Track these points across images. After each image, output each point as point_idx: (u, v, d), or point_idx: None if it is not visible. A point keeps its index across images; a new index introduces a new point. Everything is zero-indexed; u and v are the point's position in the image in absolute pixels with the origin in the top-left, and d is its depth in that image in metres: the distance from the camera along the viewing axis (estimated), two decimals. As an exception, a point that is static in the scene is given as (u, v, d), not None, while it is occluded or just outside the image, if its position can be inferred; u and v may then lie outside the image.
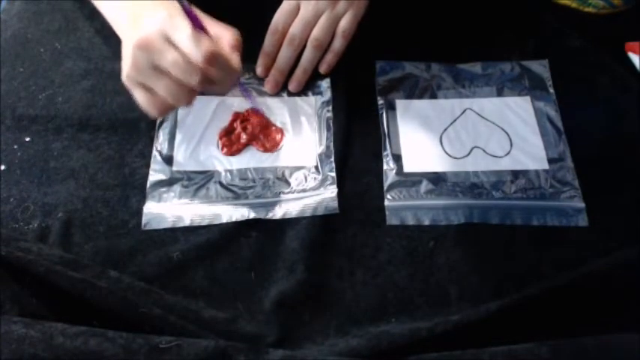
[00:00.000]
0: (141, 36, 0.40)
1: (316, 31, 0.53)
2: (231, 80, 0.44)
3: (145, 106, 0.44)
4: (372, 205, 0.48)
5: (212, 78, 0.42)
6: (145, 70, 0.42)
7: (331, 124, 0.52)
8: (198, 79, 0.41)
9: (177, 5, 0.41)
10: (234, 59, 0.44)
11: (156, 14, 0.41)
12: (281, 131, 0.52)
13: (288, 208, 0.48)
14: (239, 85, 0.50)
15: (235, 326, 0.42)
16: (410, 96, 0.54)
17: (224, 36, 0.44)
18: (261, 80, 0.55)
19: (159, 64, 0.41)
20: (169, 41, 0.40)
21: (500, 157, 0.51)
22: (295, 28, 0.53)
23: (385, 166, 0.50)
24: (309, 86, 0.55)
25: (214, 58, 0.40)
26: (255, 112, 0.52)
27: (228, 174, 0.50)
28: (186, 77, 0.41)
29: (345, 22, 0.53)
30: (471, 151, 0.51)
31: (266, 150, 0.51)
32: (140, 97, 0.44)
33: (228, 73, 0.43)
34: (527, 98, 0.54)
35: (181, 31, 0.40)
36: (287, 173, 0.50)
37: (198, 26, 0.41)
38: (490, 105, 0.54)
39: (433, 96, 0.54)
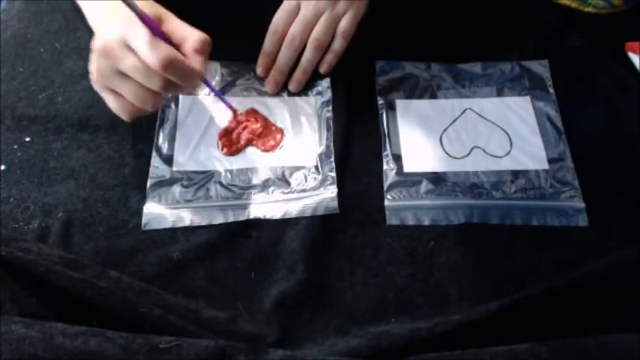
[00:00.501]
0: (101, 42, 0.41)
1: (316, 32, 0.53)
2: (195, 83, 0.44)
3: (114, 110, 0.45)
4: (372, 205, 0.48)
5: (173, 82, 0.42)
6: (109, 75, 0.43)
7: (331, 124, 0.52)
8: (159, 84, 0.41)
9: (135, 10, 0.41)
10: (197, 62, 0.43)
11: (116, 20, 0.41)
12: (281, 131, 0.52)
13: (288, 208, 0.48)
14: (208, 87, 0.50)
15: (235, 326, 0.42)
16: (410, 96, 0.54)
17: (189, 39, 0.44)
18: (261, 80, 0.55)
19: (120, 69, 0.41)
20: (128, 47, 0.41)
21: (500, 157, 0.51)
22: (295, 28, 0.53)
23: (385, 166, 0.50)
24: (309, 86, 0.55)
25: (172, 64, 0.40)
26: (235, 111, 0.52)
27: (228, 174, 0.50)
28: (148, 82, 0.42)
29: (345, 23, 0.53)
30: (471, 151, 0.51)
31: (266, 150, 0.51)
32: (109, 101, 0.45)
33: (189, 76, 0.43)
34: (527, 98, 0.54)
35: (139, 37, 0.40)
36: (287, 173, 0.50)
37: (156, 32, 0.41)
38: (490, 105, 0.54)
39: (433, 96, 0.54)
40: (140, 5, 0.43)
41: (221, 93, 0.52)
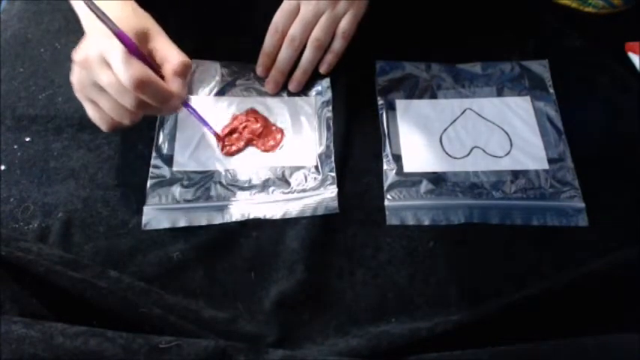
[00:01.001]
0: (81, 54, 0.41)
1: (316, 32, 0.53)
2: (170, 106, 0.43)
3: (94, 120, 0.45)
4: (372, 205, 0.48)
5: (147, 102, 0.41)
6: (87, 86, 0.42)
7: (331, 124, 0.52)
8: (132, 103, 0.41)
9: (122, 24, 0.41)
10: (175, 85, 0.43)
11: (98, 34, 0.41)
12: (281, 131, 0.52)
13: (288, 208, 0.48)
14: (188, 109, 0.49)
15: (235, 326, 0.42)
16: (410, 96, 0.54)
17: (170, 60, 0.44)
18: (261, 80, 0.55)
19: (98, 83, 0.41)
20: (106, 62, 0.40)
21: (500, 157, 0.51)
22: (295, 28, 0.53)
23: (385, 166, 0.50)
24: (309, 86, 0.55)
25: (144, 84, 0.40)
26: (215, 133, 0.51)
27: (228, 174, 0.50)
28: (122, 99, 0.41)
29: (345, 23, 0.53)
30: (471, 151, 0.51)
31: (266, 150, 0.51)
32: (89, 110, 0.45)
33: (164, 98, 0.42)
34: (527, 98, 0.54)
35: (114, 53, 0.40)
36: (287, 173, 0.50)
37: (132, 50, 0.40)
38: (490, 105, 0.54)
39: (433, 96, 0.54)
40: (130, 17, 0.43)
41: (202, 118, 0.50)
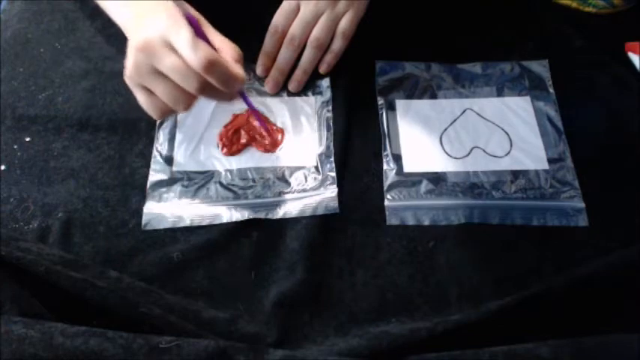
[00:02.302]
0: (142, 38, 0.40)
1: (316, 32, 0.53)
2: (233, 90, 0.44)
3: (145, 107, 0.44)
4: (372, 205, 0.48)
5: (212, 85, 0.41)
6: (145, 73, 0.41)
7: (331, 124, 0.52)
8: (196, 86, 0.41)
9: (178, 9, 0.41)
10: (237, 69, 0.43)
11: (158, 17, 0.41)
12: (281, 131, 0.52)
13: (288, 208, 0.48)
14: (241, 96, 0.49)
15: (235, 326, 0.42)
16: (410, 96, 0.54)
17: (226, 49, 0.44)
18: (261, 80, 0.55)
19: (158, 68, 0.41)
20: (169, 46, 0.40)
21: (500, 157, 0.51)
22: (295, 28, 0.53)
23: (385, 166, 0.50)
24: (309, 86, 0.55)
25: (213, 66, 0.40)
26: (256, 113, 0.52)
27: (228, 174, 0.50)
28: (185, 83, 0.41)
29: (345, 23, 0.53)
30: (471, 151, 0.51)
31: (266, 150, 0.51)
32: (141, 98, 0.44)
33: (229, 82, 0.42)
34: (527, 98, 0.54)
35: (182, 36, 0.39)
36: (287, 173, 0.50)
37: (199, 33, 0.41)
38: (490, 105, 0.54)
39: (433, 96, 0.54)
40: (179, 7, 0.42)
41: (252, 104, 0.50)
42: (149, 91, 0.43)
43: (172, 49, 0.40)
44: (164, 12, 0.40)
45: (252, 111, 0.50)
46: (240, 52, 0.45)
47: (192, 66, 0.39)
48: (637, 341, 0.38)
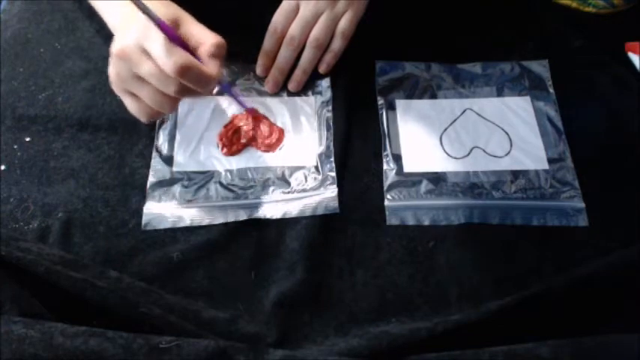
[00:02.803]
0: (119, 46, 0.42)
1: (316, 31, 0.53)
2: (210, 88, 0.44)
3: (132, 111, 0.46)
4: (372, 205, 0.48)
5: (189, 87, 0.42)
6: (126, 78, 0.43)
7: (331, 124, 0.52)
8: (174, 89, 0.42)
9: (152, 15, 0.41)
10: (212, 67, 0.43)
11: (135, 24, 0.42)
12: (281, 131, 0.52)
13: (288, 208, 0.48)
14: (224, 89, 0.50)
15: (235, 326, 0.42)
16: (410, 96, 0.54)
17: (205, 42, 0.44)
18: (261, 80, 0.55)
19: (138, 73, 0.42)
20: (146, 52, 0.41)
21: (500, 157, 0.51)
22: (295, 27, 0.53)
23: (385, 166, 0.50)
24: (309, 86, 0.55)
25: (187, 70, 0.40)
26: (252, 112, 0.52)
27: (228, 174, 0.50)
28: (163, 87, 0.42)
29: (344, 22, 0.53)
30: (471, 151, 0.51)
31: (266, 150, 0.51)
32: (128, 103, 0.46)
33: (204, 82, 0.42)
34: (527, 98, 0.54)
35: (155, 42, 0.40)
36: (287, 173, 0.50)
37: (172, 37, 0.41)
38: (490, 105, 0.54)
39: (433, 96, 0.54)
40: (158, 6, 0.43)
41: (237, 97, 0.51)
42: (135, 96, 0.44)
43: (148, 55, 0.41)
44: (138, 19, 0.41)
45: (235, 100, 0.50)
46: (222, 41, 0.44)
47: (166, 71, 0.40)
48: (637, 341, 0.38)
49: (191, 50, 0.44)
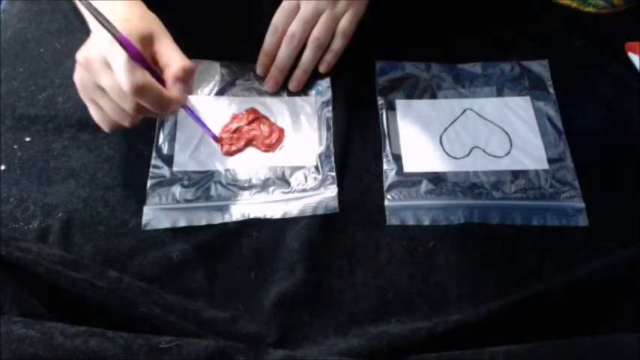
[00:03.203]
0: (83, 55, 0.42)
1: (316, 31, 0.53)
2: (168, 112, 0.44)
3: (95, 120, 0.45)
4: (372, 205, 0.48)
5: (145, 107, 0.42)
6: (89, 87, 0.43)
7: (331, 124, 0.52)
8: (131, 106, 0.41)
9: (128, 26, 0.41)
10: (175, 90, 0.43)
11: (102, 36, 0.41)
12: (281, 131, 0.52)
13: (288, 208, 0.48)
14: (189, 114, 0.49)
15: (235, 326, 0.42)
16: (410, 96, 0.54)
17: (173, 65, 0.43)
18: (261, 80, 0.55)
19: (99, 84, 0.41)
20: (108, 64, 0.41)
21: (500, 157, 0.51)
22: (295, 27, 0.53)
23: (385, 166, 0.50)
24: (309, 86, 0.55)
25: (143, 89, 0.40)
26: (215, 138, 0.51)
27: (228, 174, 0.50)
28: (121, 102, 0.41)
29: (344, 22, 0.53)
30: (471, 151, 0.51)
31: (266, 150, 0.51)
32: (91, 110, 0.45)
33: (162, 105, 0.42)
34: (527, 98, 0.54)
35: (117, 58, 0.40)
36: (287, 173, 0.50)
37: (133, 55, 0.40)
38: (490, 105, 0.54)
39: (433, 96, 0.54)
40: (135, 20, 0.43)
41: (201, 121, 0.50)
42: (97, 105, 0.44)
43: (111, 69, 0.41)
44: (104, 32, 0.40)
45: (195, 118, 0.49)
46: (191, 66, 0.43)
47: (124, 89, 0.40)
48: (637, 341, 0.38)
49: (156, 70, 0.43)
